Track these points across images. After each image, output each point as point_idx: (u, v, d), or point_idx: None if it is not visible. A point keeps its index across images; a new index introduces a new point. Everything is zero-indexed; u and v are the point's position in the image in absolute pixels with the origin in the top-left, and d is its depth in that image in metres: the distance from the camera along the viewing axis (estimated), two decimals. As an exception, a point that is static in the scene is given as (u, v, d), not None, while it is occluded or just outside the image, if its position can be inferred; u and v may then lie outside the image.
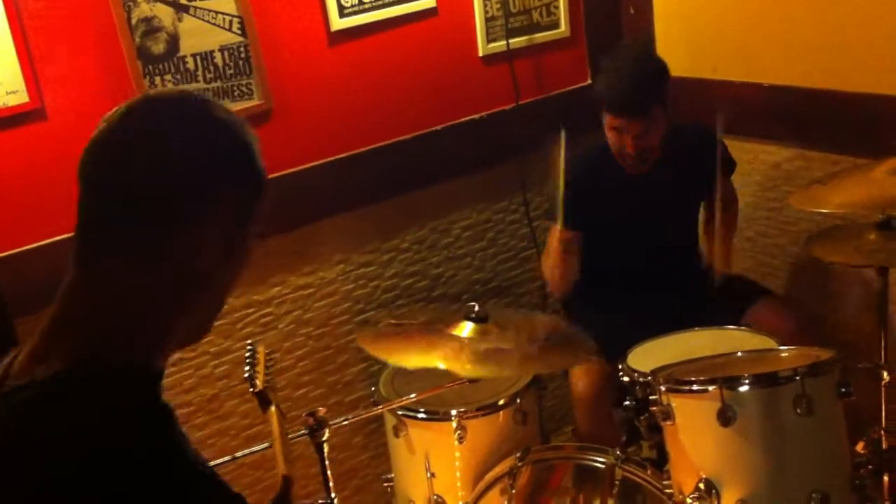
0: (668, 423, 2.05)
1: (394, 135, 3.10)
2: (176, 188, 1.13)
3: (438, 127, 3.19)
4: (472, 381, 2.33)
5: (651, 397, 2.14)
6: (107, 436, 1.02)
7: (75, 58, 2.55)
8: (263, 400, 2.13)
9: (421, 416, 2.53)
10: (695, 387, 2.00)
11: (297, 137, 2.91)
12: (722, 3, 3.17)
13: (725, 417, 1.93)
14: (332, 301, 3.10)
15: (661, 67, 2.75)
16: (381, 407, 2.51)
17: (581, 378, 2.73)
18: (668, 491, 2.12)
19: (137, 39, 2.60)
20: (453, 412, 2.49)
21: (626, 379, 2.40)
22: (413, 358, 2.28)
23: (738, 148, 3.03)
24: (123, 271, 1.13)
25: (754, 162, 3.19)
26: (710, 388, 1.95)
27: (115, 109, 1.19)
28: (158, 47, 2.64)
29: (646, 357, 2.48)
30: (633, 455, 2.38)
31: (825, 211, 2.16)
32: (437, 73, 3.16)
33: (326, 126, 2.96)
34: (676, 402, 2.03)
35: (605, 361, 2.64)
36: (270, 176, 1.25)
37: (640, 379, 2.31)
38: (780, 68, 3.02)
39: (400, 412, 2.54)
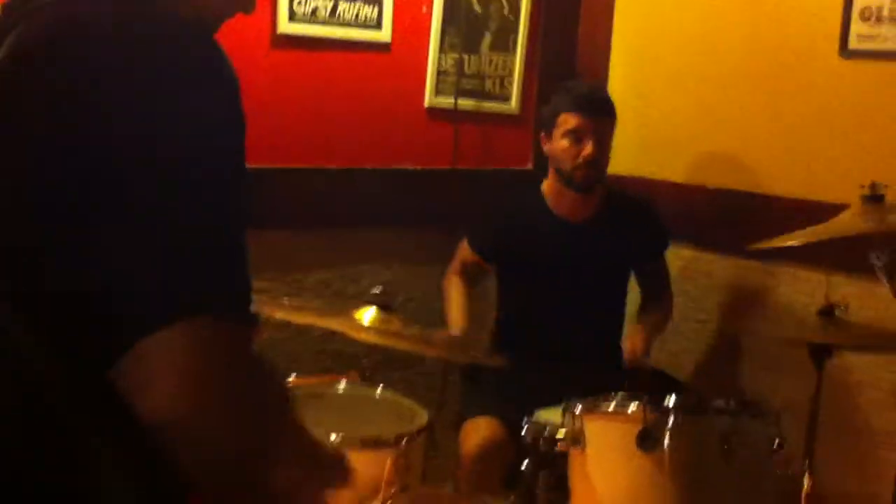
0: (577, 449, 1.77)
1: (319, 160, 2.89)
2: None
3: (369, 167, 2.99)
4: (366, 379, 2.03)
5: (558, 435, 1.87)
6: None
7: None
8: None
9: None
10: (613, 405, 1.74)
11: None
12: (675, 107, 3.10)
13: (647, 441, 1.67)
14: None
15: None
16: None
17: (472, 434, 2.44)
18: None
19: None
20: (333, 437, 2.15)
21: (529, 437, 2.12)
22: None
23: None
24: None
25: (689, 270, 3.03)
26: (632, 407, 1.70)
27: None
28: None
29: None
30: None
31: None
32: (378, 112, 2.98)
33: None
34: (591, 426, 1.77)
35: (501, 423, 2.39)
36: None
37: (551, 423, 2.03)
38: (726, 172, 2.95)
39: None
